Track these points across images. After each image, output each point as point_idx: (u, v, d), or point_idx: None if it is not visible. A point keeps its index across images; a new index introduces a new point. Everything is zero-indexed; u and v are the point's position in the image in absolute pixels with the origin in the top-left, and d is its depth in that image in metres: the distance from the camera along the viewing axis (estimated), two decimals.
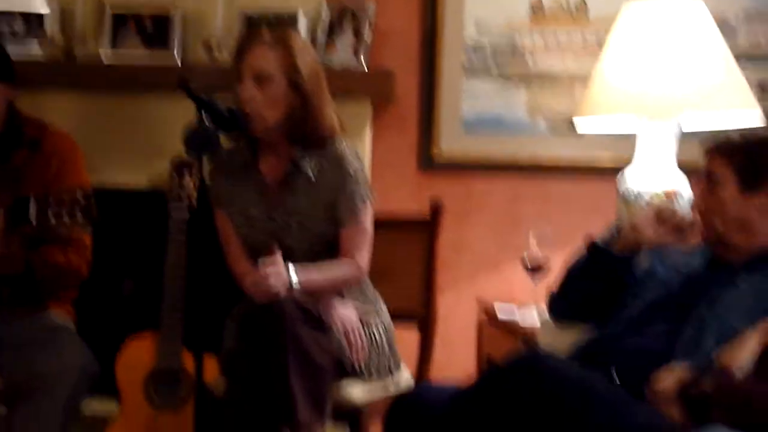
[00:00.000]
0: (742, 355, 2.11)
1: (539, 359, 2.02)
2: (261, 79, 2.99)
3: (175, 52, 3.81)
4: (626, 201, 3.29)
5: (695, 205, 2.54)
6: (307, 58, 3.04)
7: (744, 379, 1.93)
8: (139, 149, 3.79)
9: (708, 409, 1.88)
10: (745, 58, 3.61)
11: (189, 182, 3.25)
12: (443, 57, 3.93)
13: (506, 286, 3.92)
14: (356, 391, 3.02)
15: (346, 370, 2.99)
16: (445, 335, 3.89)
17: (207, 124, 2.75)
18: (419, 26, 3.98)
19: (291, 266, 2.91)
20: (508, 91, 3.93)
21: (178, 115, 2.97)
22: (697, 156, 2.67)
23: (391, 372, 3.11)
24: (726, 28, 3.54)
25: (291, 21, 3.80)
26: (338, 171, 3.04)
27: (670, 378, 2.02)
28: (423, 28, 3.98)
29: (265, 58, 3.00)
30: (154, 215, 3.53)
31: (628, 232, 2.59)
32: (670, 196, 3.25)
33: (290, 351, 2.77)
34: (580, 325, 2.71)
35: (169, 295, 3.21)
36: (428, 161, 3.97)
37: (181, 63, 3.80)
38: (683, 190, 3.27)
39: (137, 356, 3.25)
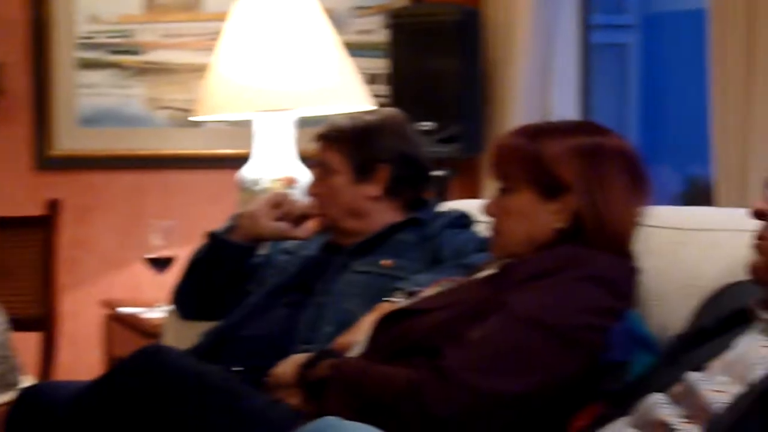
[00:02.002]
0: (356, 339, 2.18)
1: (157, 353, 2.00)
2: None
3: None
4: (245, 190, 3.32)
5: (310, 192, 2.60)
6: None
7: (358, 362, 1.99)
8: None
9: (325, 394, 1.92)
10: (355, 48, 3.75)
11: None
12: (55, 49, 3.81)
13: (132, 283, 3.86)
14: None
15: None
16: (71, 336, 3.78)
17: None
18: (29, 16, 3.83)
19: None
20: (125, 84, 3.87)
21: None
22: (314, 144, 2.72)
23: (10, 379, 2.98)
24: (336, 20, 3.65)
25: None
26: None
27: (287, 365, 2.05)
28: (33, 19, 3.83)
29: None
30: None
31: (245, 220, 2.61)
32: (287, 183, 3.31)
33: None
34: (205, 320, 2.70)
35: None
36: (44, 158, 3.84)
37: None
38: (302, 177, 3.34)
39: None
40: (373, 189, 2.53)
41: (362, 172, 2.53)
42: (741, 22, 2.84)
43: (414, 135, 2.61)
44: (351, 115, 2.61)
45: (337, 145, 2.54)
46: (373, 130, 2.55)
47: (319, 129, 2.61)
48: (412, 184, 2.57)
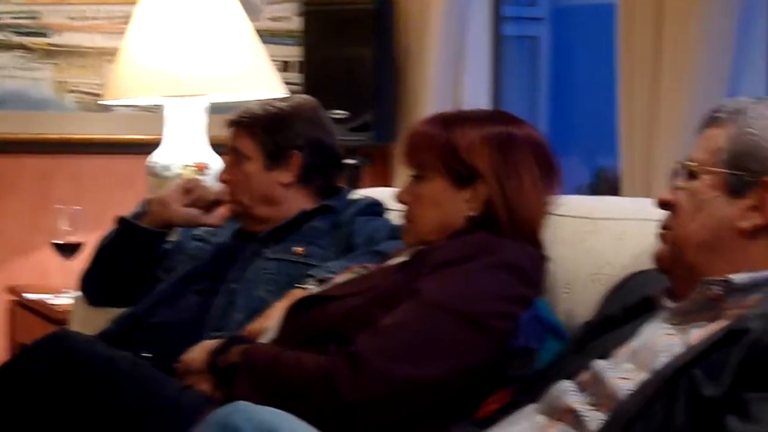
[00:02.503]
0: (267, 325, 2.18)
1: (64, 338, 1.97)
2: None
3: None
4: (156, 175, 3.29)
5: (222, 178, 2.58)
6: None
7: (269, 348, 1.99)
8: None
9: (236, 380, 1.92)
10: (268, 35, 3.74)
11: None
12: None
13: (39, 269, 3.80)
14: None
15: None
16: None
17: None
18: None
19: None
20: (32, 66, 3.79)
21: None
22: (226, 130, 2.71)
23: None
24: (249, 7, 3.63)
25: None
26: None
27: (197, 351, 2.04)
28: None
29: None
30: None
31: (156, 206, 2.58)
32: (200, 168, 3.29)
33: None
34: (113, 306, 2.67)
35: None
36: None
37: None
38: (213, 163, 3.32)
39: None
40: (285, 176, 2.52)
41: (274, 158, 2.52)
42: (649, 17, 2.89)
43: (327, 122, 2.61)
44: (264, 102, 2.60)
45: (250, 131, 2.53)
46: (285, 117, 2.55)
47: (231, 115, 2.60)
48: (325, 172, 2.58)
